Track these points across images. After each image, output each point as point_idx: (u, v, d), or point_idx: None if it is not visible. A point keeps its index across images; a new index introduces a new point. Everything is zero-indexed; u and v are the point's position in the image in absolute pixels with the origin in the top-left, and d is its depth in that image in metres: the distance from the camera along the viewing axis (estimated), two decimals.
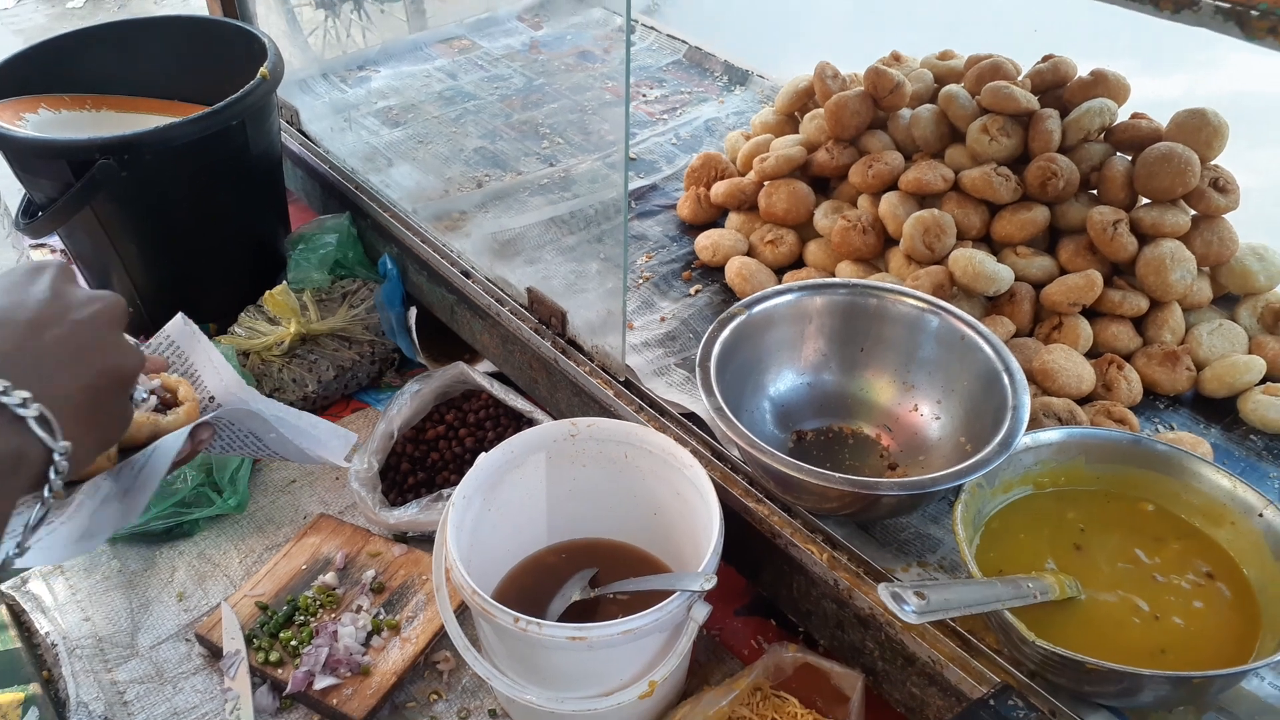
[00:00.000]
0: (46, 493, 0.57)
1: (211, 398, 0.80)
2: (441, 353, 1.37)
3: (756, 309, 1.01)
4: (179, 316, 0.82)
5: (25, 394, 0.54)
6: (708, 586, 0.86)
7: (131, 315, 1.40)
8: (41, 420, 0.54)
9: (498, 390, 1.24)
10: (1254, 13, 0.47)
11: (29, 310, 0.58)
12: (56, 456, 0.56)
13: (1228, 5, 0.48)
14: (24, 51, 1.37)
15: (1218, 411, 1.08)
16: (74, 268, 0.65)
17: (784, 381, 1.05)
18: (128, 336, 0.65)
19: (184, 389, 0.77)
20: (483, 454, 0.99)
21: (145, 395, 0.74)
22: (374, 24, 3.75)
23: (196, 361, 0.80)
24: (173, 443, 0.70)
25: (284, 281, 1.32)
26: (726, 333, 0.99)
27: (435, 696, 1.02)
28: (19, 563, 0.62)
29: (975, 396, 0.97)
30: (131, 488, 0.70)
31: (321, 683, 0.99)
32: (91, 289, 0.64)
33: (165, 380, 0.77)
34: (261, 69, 1.30)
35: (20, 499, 0.57)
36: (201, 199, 1.32)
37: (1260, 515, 0.85)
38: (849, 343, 1.04)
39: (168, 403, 0.76)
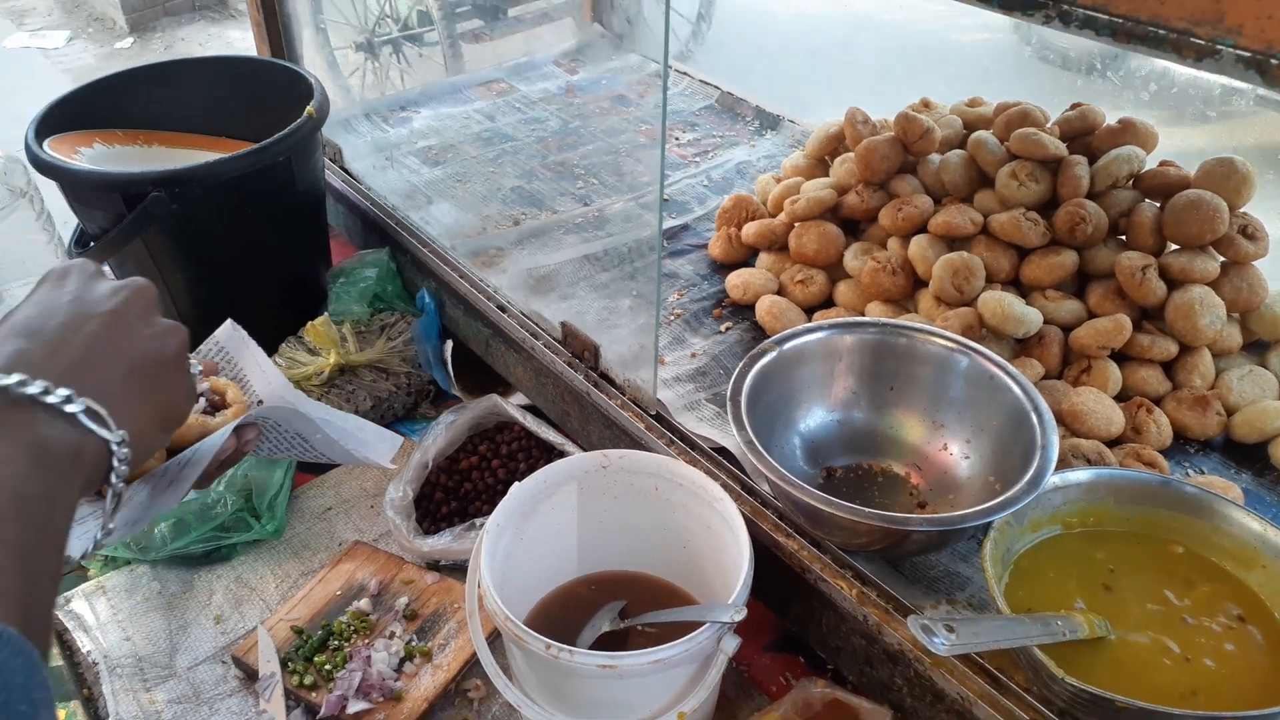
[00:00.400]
0: (114, 479, 0.59)
1: (259, 401, 0.82)
2: (475, 385, 1.39)
3: (787, 345, 1.03)
4: (228, 323, 0.84)
5: (67, 391, 0.55)
6: (738, 618, 0.87)
7: None
8: (90, 414, 0.56)
9: (530, 423, 1.26)
10: (1274, 60, 0.49)
11: (60, 313, 0.60)
12: (114, 445, 0.58)
13: (1248, 54, 0.50)
14: (82, 88, 1.43)
15: (1249, 457, 1.08)
16: (101, 266, 0.68)
17: (814, 418, 1.07)
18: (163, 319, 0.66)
19: (232, 391, 0.80)
20: (516, 483, 1.01)
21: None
22: (412, 68, 3.85)
23: (245, 366, 0.83)
24: (217, 439, 0.72)
25: (325, 313, 1.36)
26: (758, 368, 1.00)
27: None
28: (106, 541, 0.64)
29: (1004, 436, 0.98)
30: (176, 479, 0.72)
31: (354, 707, 1.00)
32: (120, 280, 0.65)
33: (214, 383, 0.80)
34: (308, 108, 1.35)
35: (90, 491, 0.59)
36: (247, 232, 1.36)
37: None
38: (879, 381, 1.06)
39: (216, 405, 0.79)
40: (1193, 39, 0.53)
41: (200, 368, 0.78)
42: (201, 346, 0.84)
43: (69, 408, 0.55)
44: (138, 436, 0.60)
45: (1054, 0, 0.57)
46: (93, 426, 0.57)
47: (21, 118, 1.34)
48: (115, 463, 0.58)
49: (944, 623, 0.72)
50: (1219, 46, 0.52)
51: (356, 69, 3.73)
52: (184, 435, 0.75)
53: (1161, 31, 0.54)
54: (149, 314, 0.65)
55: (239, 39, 5.26)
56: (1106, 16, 0.56)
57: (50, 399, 0.55)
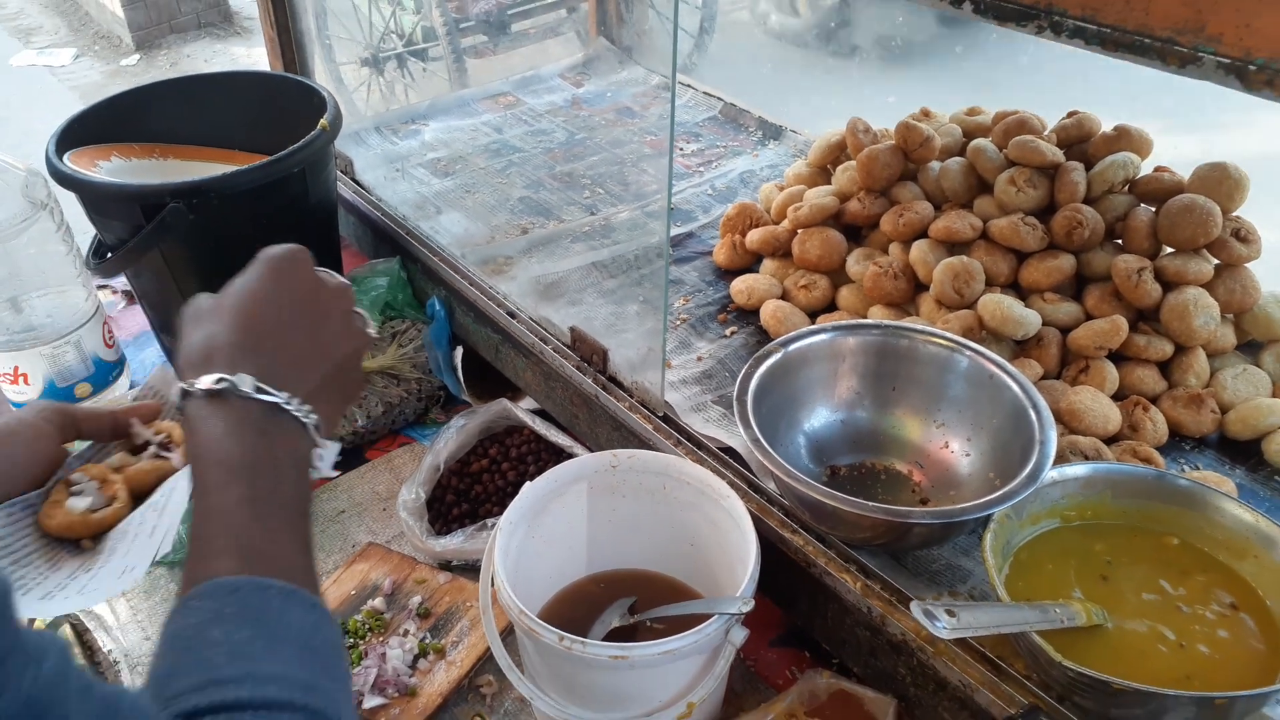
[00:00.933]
0: (319, 450, 0.69)
1: None
2: (485, 391, 1.42)
3: (792, 347, 1.06)
4: (159, 367, 0.90)
5: (308, 407, 0.66)
6: (745, 609, 0.89)
7: None
8: (316, 426, 0.67)
9: (539, 426, 1.29)
10: (1252, 66, 0.52)
11: (296, 315, 0.70)
12: (311, 428, 0.67)
13: (1228, 60, 0.53)
14: (100, 104, 1.46)
15: (1243, 453, 1.11)
16: (310, 254, 0.75)
17: (818, 418, 1.09)
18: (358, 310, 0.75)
19: (177, 431, 0.84)
20: (528, 483, 1.04)
21: (147, 443, 0.83)
22: (417, 83, 3.90)
23: None
24: (183, 484, 0.77)
25: None
26: (763, 369, 1.03)
27: (478, 718, 1.05)
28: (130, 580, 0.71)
29: (1004, 433, 1.01)
30: (158, 524, 0.76)
31: (370, 702, 1.03)
32: (330, 280, 0.74)
33: (159, 426, 0.85)
34: (322, 120, 1.38)
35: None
36: (262, 242, 1.36)
37: None
38: (881, 381, 1.09)
39: (166, 445, 0.84)
40: (1176, 47, 0.56)
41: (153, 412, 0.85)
42: (140, 390, 0.90)
43: (307, 420, 0.66)
44: (327, 419, 0.69)
45: (1045, 11, 0.60)
46: (316, 436, 0.67)
47: (30, 134, 1.38)
48: (305, 420, 0.67)
49: (945, 608, 0.75)
50: (1200, 54, 0.55)
51: (362, 84, 3.78)
52: (143, 480, 0.80)
53: (1147, 40, 0.57)
54: (350, 316, 0.74)
55: (244, 55, 5.31)
56: (1095, 26, 0.59)
57: (296, 411, 0.66)
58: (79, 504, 0.77)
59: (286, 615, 0.57)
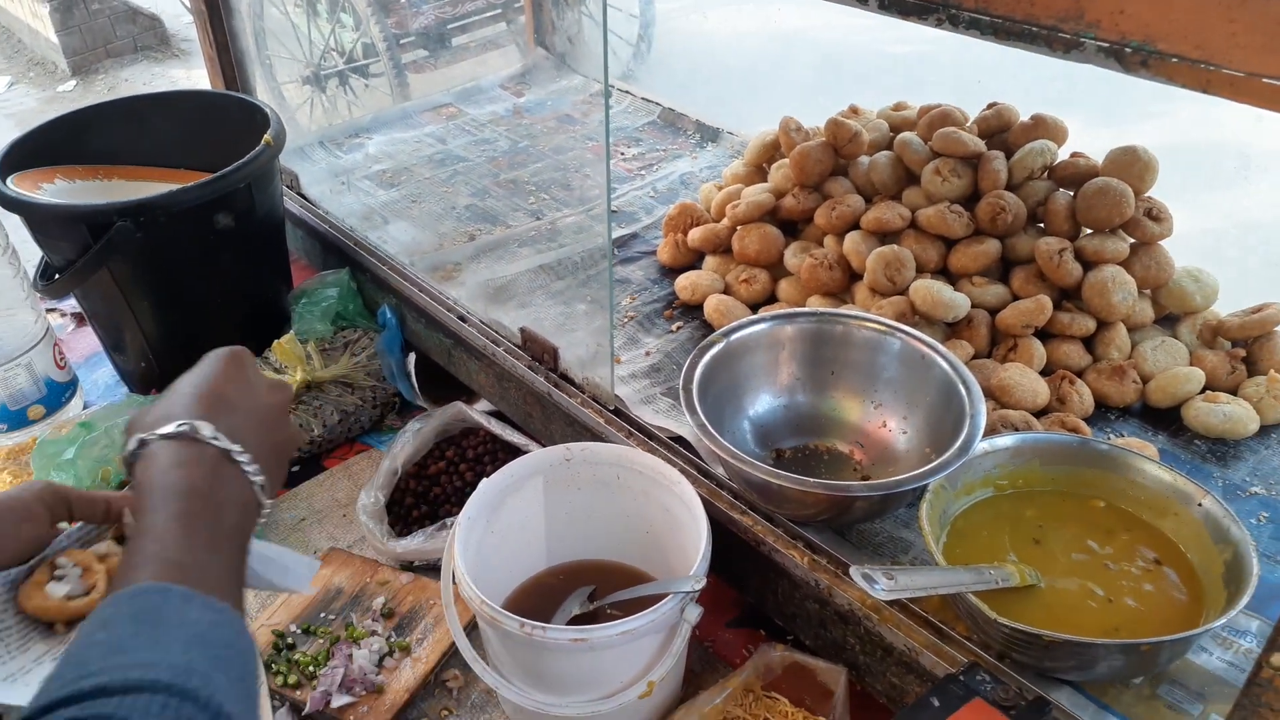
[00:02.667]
0: (257, 488, 0.72)
1: None
2: (439, 395, 1.44)
3: (734, 337, 1.10)
4: None
5: (257, 466, 0.70)
6: (698, 587, 0.93)
7: (144, 369, 1.47)
8: (261, 486, 0.71)
9: (495, 427, 1.31)
10: (1128, 49, 0.57)
11: (243, 394, 0.75)
12: (246, 466, 0.70)
13: (1106, 44, 0.57)
14: (42, 126, 1.47)
15: (1164, 420, 1.17)
16: (250, 352, 0.82)
17: (762, 404, 1.14)
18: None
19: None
20: (485, 479, 1.07)
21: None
22: (359, 98, 3.90)
23: None
24: None
25: (290, 332, 1.40)
26: (707, 359, 1.07)
27: (446, 712, 1.07)
28: None
29: (936, 409, 1.06)
30: None
31: (338, 701, 1.05)
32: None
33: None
34: (266, 136, 1.40)
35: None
36: (210, 258, 1.40)
37: (1199, 505, 0.93)
38: (819, 366, 1.13)
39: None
40: (1060, 34, 0.60)
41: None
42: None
43: (256, 478, 0.71)
44: (265, 461, 0.72)
45: (943, 5, 0.65)
46: (261, 496, 0.71)
47: None
48: (252, 478, 0.71)
49: (883, 571, 0.79)
50: (1082, 39, 0.60)
51: (305, 101, 3.77)
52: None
53: (1034, 28, 0.61)
54: (286, 409, 0.80)
55: (183, 78, 5.26)
56: (988, 17, 0.63)
57: (247, 467, 0.70)
58: (58, 589, 0.77)
59: (184, 613, 0.57)
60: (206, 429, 0.69)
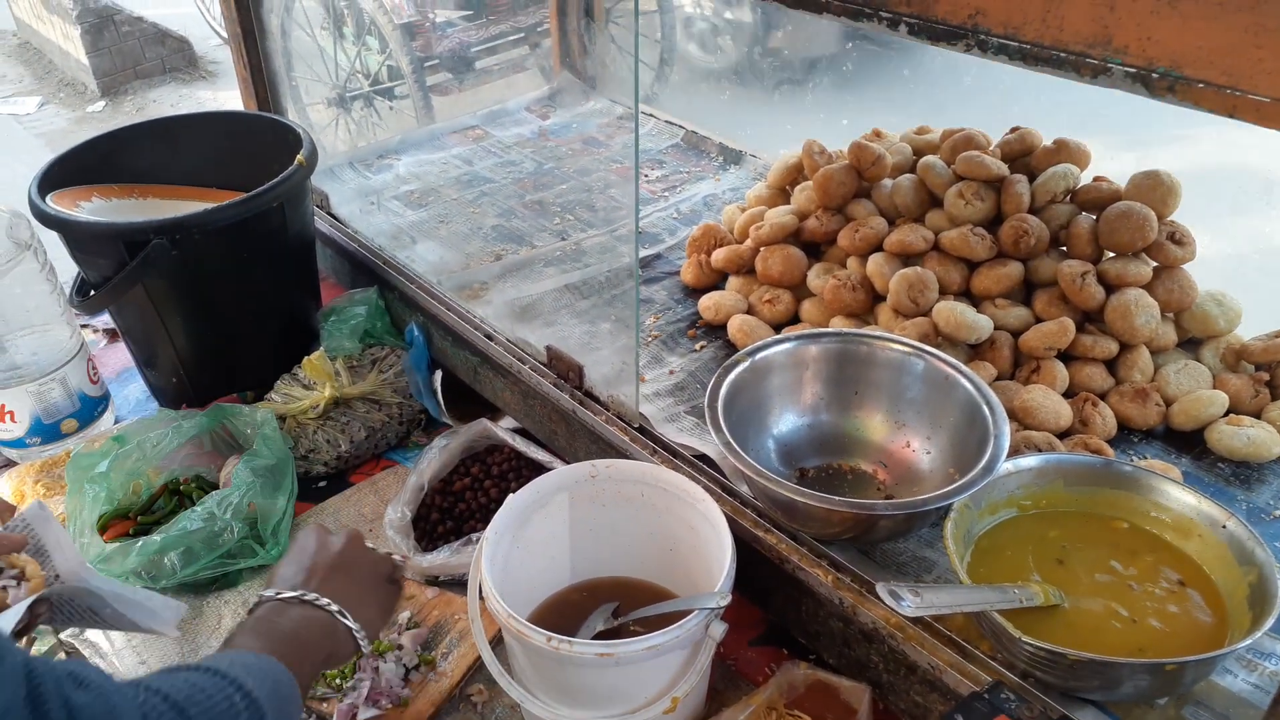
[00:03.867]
0: (362, 646, 0.95)
1: (57, 576, 0.93)
2: (464, 413, 1.46)
3: (758, 356, 1.11)
4: (35, 502, 0.97)
5: (359, 624, 0.94)
6: (724, 603, 0.94)
7: (175, 385, 1.49)
8: (363, 635, 0.94)
9: (519, 444, 1.33)
10: (1154, 74, 0.58)
11: (354, 564, 0.99)
12: (355, 630, 0.94)
13: (1134, 69, 0.59)
14: (80, 145, 1.50)
15: (1187, 443, 1.17)
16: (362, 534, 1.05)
17: (785, 423, 1.15)
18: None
19: (31, 568, 0.91)
20: (511, 494, 1.08)
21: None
22: (383, 120, 3.94)
23: (47, 542, 0.94)
24: (13, 615, 0.84)
25: (321, 349, 1.42)
26: (732, 378, 1.08)
27: None
28: None
29: (960, 429, 1.06)
30: None
31: (365, 714, 1.06)
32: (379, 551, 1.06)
33: (13, 560, 0.91)
34: (299, 156, 1.43)
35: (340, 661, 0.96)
36: (242, 276, 1.43)
37: (1224, 527, 0.93)
38: (843, 386, 1.14)
39: (20, 578, 0.90)
40: (1088, 59, 0.62)
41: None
42: (11, 521, 0.95)
43: (364, 645, 0.94)
44: (369, 624, 0.96)
45: (972, 31, 0.67)
46: (347, 622, 0.93)
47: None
48: (359, 640, 0.94)
49: (910, 588, 0.80)
50: (1110, 65, 0.61)
51: (330, 123, 3.82)
52: None
53: (1062, 54, 0.63)
54: (384, 577, 1.02)
55: (210, 99, 5.34)
56: (1016, 43, 0.65)
57: (357, 632, 0.94)
58: None
59: (272, 669, 0.80)
60: (320, 601, 0.92)
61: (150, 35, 5.44)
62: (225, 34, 6.10)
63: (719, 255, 1.45)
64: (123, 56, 5.37)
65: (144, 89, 5.42)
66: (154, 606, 0.98)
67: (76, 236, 1.35)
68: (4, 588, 0.89)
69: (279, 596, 0.91)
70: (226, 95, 5.36)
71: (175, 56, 5.59)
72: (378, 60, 3.92)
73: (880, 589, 0.80)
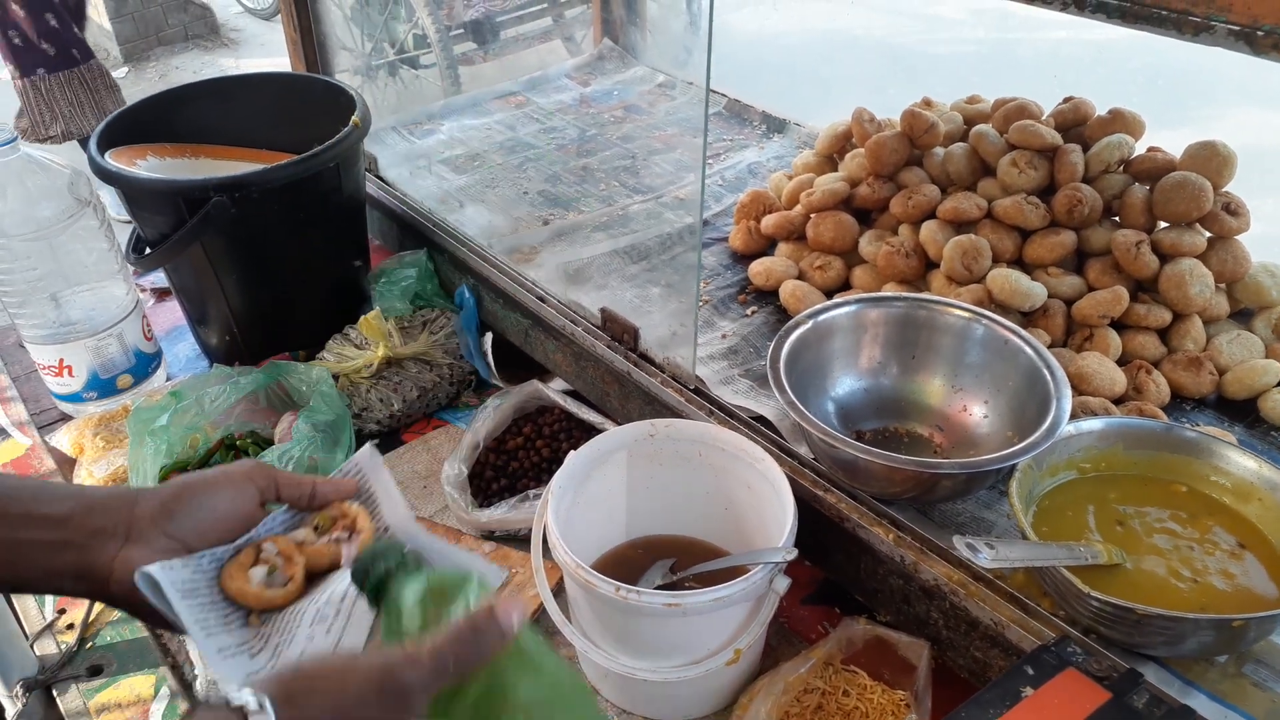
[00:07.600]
0: None
1: (386, 528, 0.83)
2: (513, 374, 1.48)
3: (821, 318, 1.12)
4: (367, 447, 0.87)
5: None
6: (789, 557, 0.95)
7: (228, 343, 1.50)
8: None
9: (570, 405, 1.34)
10: (1260, 32, 0.59)
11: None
12: None
13: (1238, 27, 0.59)
14: (135, 106, 1.51)
15: (1240, 412, 1.18)
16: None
17: (844, 385, 1.16)
18: None
19: (363, 519, 0.82)
20: (572, 451, 1.10)
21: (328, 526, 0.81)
22: (408, 89, 3.94)
23: (378, 491, 0.85)
24: (347, 577, 0.75)
25: (376, 309, 1.44)
26: (793, 339, 1.10)
27: None
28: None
29: (1020, 394, 1.08)
30: (342, 612, 0.75)
31: None
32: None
33: (345, 509, 0.82)
34: (354, 117, 1.44)
35: None
36: (296, 235, 1.44)
37: None
38: (903, 350, 1.15)
39: (351, 529, 0.81)
40: (1191, 17, 0.63)
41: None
42: (344, 466, 0.87)
43: None
44: None
45: None
46: None
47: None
48: None
49: (986, 541, 0.81)
50: (1213, 22, 0.62)
51: (375, 86, 3.83)
52: (318, 561, 0.78)
53: (1164, 11, 0.64)
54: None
55: (232, 66, 5.34)
56: (1117, 1, 0.66)
57: None
58: (258, 574, 0.76)
59: None
60: None
61: (173, 2, 5.44)
62: (249, 2, 6.07)
63: (769, 221, 1.46)
64: (145, 23, 5.38)
65: (166, 56, 5.42)
66: (478, 568, 0.85)
67: (135, 193, 1.36)
68: (337, 541, 0.79)
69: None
70: (248, 63, 5.36)
71: (197, 24, 5.59)
72: (404, 28, 3.91)
73: (957, 541, 0.81)
